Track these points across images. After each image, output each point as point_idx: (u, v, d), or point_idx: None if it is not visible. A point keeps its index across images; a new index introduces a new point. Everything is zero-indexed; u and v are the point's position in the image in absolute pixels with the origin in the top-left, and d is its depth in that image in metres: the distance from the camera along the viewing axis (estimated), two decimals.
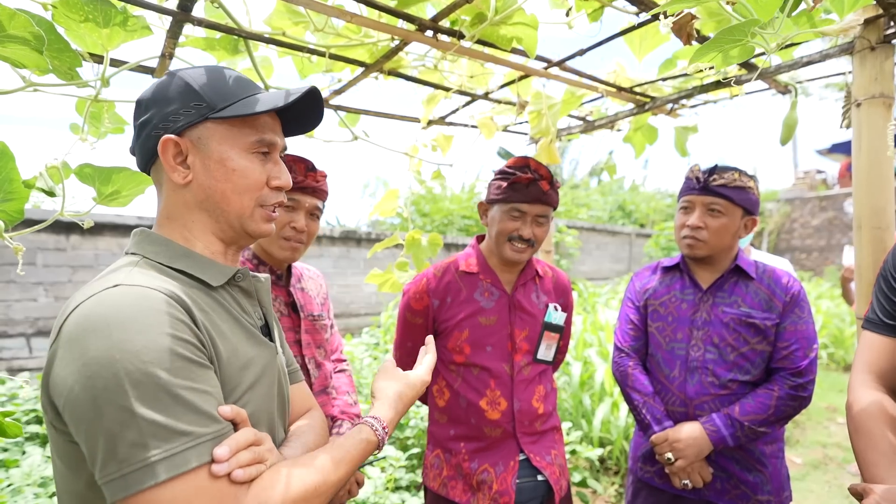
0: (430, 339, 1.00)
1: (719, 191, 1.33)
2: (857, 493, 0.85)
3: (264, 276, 0.82)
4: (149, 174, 0.76)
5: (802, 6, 0.96)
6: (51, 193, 1.05)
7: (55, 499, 2.04)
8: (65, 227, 4.13)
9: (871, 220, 1.22)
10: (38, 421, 2.79)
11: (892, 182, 1.21)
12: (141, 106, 0.73)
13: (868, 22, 1.19)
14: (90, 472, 0.59)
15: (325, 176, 1.29)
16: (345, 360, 1.58)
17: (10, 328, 3.94)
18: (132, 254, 0.71)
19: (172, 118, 0.69)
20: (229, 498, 0.58)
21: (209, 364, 0.63)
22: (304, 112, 0.79)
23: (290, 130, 0.81)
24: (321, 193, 1.28)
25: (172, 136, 0.69)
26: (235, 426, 0.64)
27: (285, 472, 0.64)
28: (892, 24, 1.17)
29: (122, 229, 4.39)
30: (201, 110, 0.69)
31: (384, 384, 0.87)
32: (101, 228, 4.31)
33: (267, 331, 0.81)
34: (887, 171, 1.20)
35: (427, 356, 0.96)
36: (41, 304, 4.07)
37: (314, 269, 1.52)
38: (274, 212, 0.77)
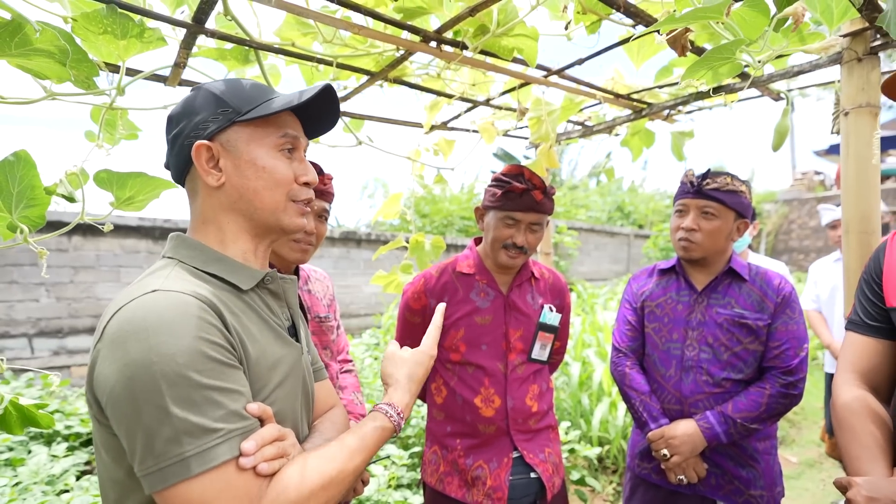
0: (440, 307, 1.03)
1: (712, 194, 1.38)
2: (842, 486, 0.88)
3: (291, 278, 0.85)
4: (184, 185, 0.80)
5: (789, 22, 1.01)
6: (71, 199, 1.09)
7: (63, 496, 2.08)
8: None
9: (858, 225, 1.26)
10: None
11: (878, 188, 1.25)
12: (172, 121, 0.77)
13: (855, 34, 1.23)
14: (130, 462, 0.63)
15: (332, 178, 1.33)
16: (351, 361, 1.62)
17: (12, 328, 3.97)
18: (168, 258, 0.75)
19: (202, 126, 0.74)
20: (254, 490, 0.62)
21: (238, 365, 0.67)
22: (321, 113, 0.83)
23: (309, 133, 0.85)
24: (328, 196, 1.32)
25: (204, 141, 0.74)
26: (262, 423, 0.68)
27: (304, 463, 0.68)
28: (877, 36, 1.22)
29: (123, 230, 4.42)
30: (228, 115, 0.74)
31: (393, 369, 0.91)
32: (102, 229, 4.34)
33: (294, 331, 0.85)
34: (874, 177, 1.24)
35: (431, 328, 0.99)
36: (43, 305, 4.10)
37: (321, 271, 1.55)
38: (306, 206, 0.80)
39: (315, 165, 1.28)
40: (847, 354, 1.03)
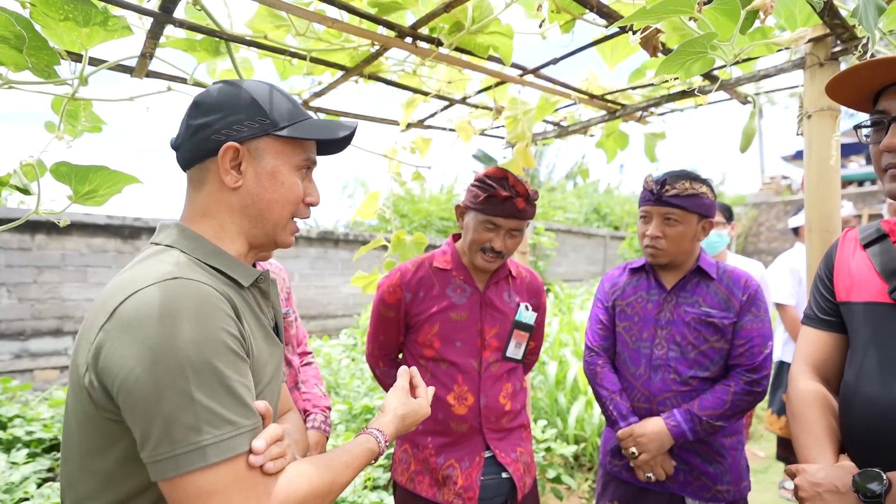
0: (413, 370, 1.03)
1: (673, 201, 1.38)
2: (792, 474, 0.93)
3: (273, 279, 0.86)
4: (185, 170, 0.79)
5: (757, 23, 1.03)
6: (26, 191, 1.04)
7: None
8: (30, 226, 4.00)
9: (820, 224, 1.30)
10: (2, 426, 2.71)
11: (839, 189, 1.30)
12: (201, 108, 0.77)
13: (817, 40, 1.27)
14: (124, 450, 0.64)
15: None
16: (310, 353, 1.59)
17: None
18: (167, 245, 0.73)
19: (237, 127, 0.75)
20: (261, 487, 0.63)
21: (247, 359, 0.68)
22: (333, 141, 0.86)
23: (319, 151, 0.89)
24: None
25: (235, 143, 0.74)
26: (263, 421, 0.69)
27: (307, 469, 0.70)
28: (838, 42, 1.26)
29: (90, 229, 4.27)
30: (265, 126, 0.75)
31: (396, 403, 0.93)
32: (68, 228, 4.19)
33: (276, 331, 0.87)
34: (834, 178, 1.29)
35: (427, 392, 1.01)
36: (4, 306, 3.93)
37: (275, 262, 1.50)
38: (297, 226, 0.84)
39: None
40: (802, 347, 1.07)
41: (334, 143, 0.88)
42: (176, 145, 0.80)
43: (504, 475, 1.38)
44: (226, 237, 0.77)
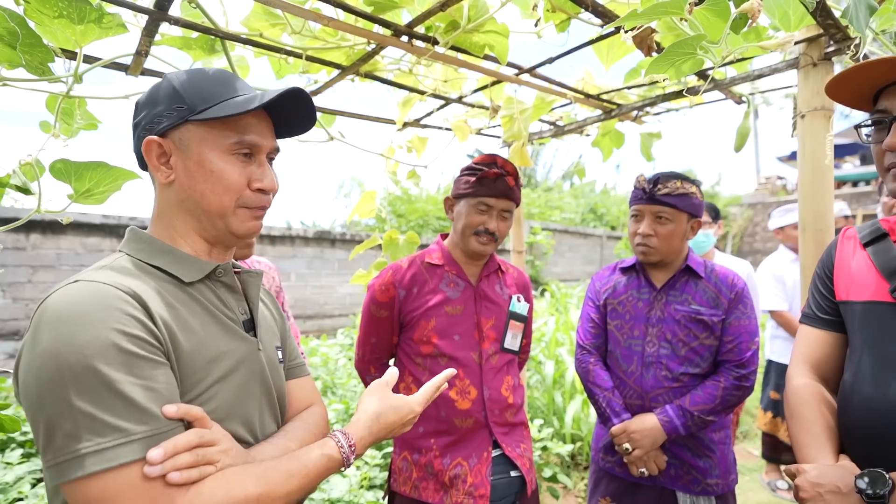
0: (446, 372, 0.95)
1: (664, 200, 1.42)
2: (791, 474, 0.92)
3: (257, 272, 0.83)
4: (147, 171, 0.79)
5: (750, 23, 1.04)
6: (26, 191, 1.04)
7: None
8: (25, 226, 3.98)
9: (813, 224, 1.31)
10: None
11: (832, 188, 1.31)
12: (137, 108, 0.76)
13: (810, 40, 1.28)
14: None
15: None
16: (301, 354, 1.57)
17: None
18: (118, 251, 0.74)
19: (157, 120, 0.72)
20: (162, 499, 0.58)
21: (163, 360, 0.63)
22: (294, 114, 0.79)
23: (282, 133, 0.82)
24: None
25: (155, 137, 0.72)
26: (191, 425, 0.64)
27: (229, 478, 0.63)
28: (831, 42, 1.27)
29: (86, 228, 4.26)
30: (182, 112, 0.71)
31: (369, 400, 0.84)
32: (63, 227, 4.17)
33: (252, 325, 0.81)
34: (828, 178, 1.29)
35: (429, 385, 0.90)
36: None
37: (265, 261, 1.50)
38: (260, 211, 0.78)
39: None
40: (800, 346, 1.06)
41: (296, 123, 0.81)
42: (133, 150, 0.78)
43: (514, 473, 1.37)
44: (177, 235, 0.75)
